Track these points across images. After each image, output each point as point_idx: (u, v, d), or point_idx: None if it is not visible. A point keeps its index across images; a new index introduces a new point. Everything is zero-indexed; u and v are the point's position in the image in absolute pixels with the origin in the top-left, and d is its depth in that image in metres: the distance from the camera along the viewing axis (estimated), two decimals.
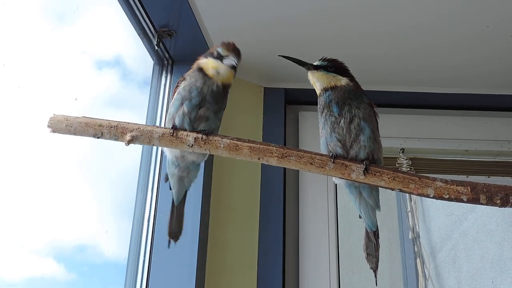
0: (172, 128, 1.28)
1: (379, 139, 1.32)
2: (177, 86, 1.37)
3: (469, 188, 1.21)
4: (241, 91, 2.30)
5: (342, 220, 2.25)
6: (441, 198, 1.21)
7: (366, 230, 1.37)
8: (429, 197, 1.21)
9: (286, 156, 1.23)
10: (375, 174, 1.23)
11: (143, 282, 1.79)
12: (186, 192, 1.43)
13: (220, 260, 2.00)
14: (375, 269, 1.35)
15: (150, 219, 1.87)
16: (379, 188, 1.30)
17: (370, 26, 1.99)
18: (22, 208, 1.44)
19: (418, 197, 2.05)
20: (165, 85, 2.10)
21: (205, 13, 1.92)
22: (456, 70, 2.28)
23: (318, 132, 1.35)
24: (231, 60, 1.31)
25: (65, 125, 1.25)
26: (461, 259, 2.77)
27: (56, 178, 1.57)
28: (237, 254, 2.04)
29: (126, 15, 1.87)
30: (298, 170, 1.42)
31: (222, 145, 1.25)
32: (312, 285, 2.09)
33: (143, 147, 1.93)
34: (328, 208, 2.21)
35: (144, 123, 1.94)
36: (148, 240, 1.85)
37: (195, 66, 1.38)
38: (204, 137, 1.25)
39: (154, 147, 1.94)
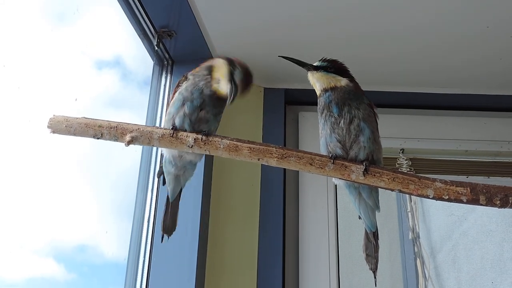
0: (172, 128, 1.28)
1: (379, 139, 1.32)
2: (178, 86, 1.37)
3: (468, 189, 1.21)
4: None
5: (342, 221, 2.25)
6: (441, 199, 1.21)
7: (366, 231, 1.37)
8: (428, 198, 1.21)
9: (285, 157, 1.23)
10: (374, 175, 1.23)
11: (143, 282, 1.80)
12: (181, 189, 1.44)
13: (220, 260, 2.00)
14: (374, 270, 1.35)
15: (150, 219, 1.88)
16: (379, 188, 1.30)
17: (370, 26, 1.99)
18: (22, 208, 1.45)
19: (418, 197, 2.05)
20: (165, 85, 2.10)
21: (205, 14, 1.92)
22: (456, 71, 2.27)
23: (318, 132, 1.35)
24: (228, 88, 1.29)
25: (65, 126, 1.25)
26: (461, 259, 2.77)
27: (56, 178, 1.57)
28: (237, 255, 2.05)
29: (126, 15, 1.87)
30: (298, 171, 1.42)
31: (222, 146, 1.25)
32: (312, 285, 2.09)
33: (143, 147, 1.93)
34: (328, 209, 2.21)
35: (144, 124, 1.95)
36: (148, 240, 1.85)
37: (203, 65, 1.37)
38: (204, 138, 1.25)
39: (154, 148, 1.94)
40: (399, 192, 1.24)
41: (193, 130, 1.28)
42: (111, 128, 1.25)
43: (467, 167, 2.42)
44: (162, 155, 1.44)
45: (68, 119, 1.25)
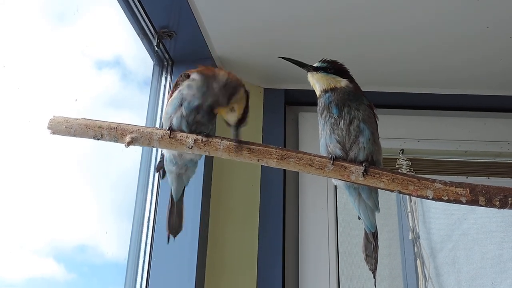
0: (168, 129, 1.27)
1: (379, 141, 1.32)
2: (177, 84, 1.36)
3: (468, 189, 1.21)
4: None
5: (342, 221, 2.26)
6: (440, 199, 1.21)
7: (365, 232, 1.37)
8: (428, 198, 1.21)
9: (285, 158, 1.23)
10: (374, 176, 1.23)
11: (143, 283, 1.80)
12: (184, 188, 1.43)
13: (220, 260, 2.00)
14: (374, 270, 1.35)
15: (150, 219, 1.88)
16: (378, 189, 1.30)
17: (369, 27, 1.99)
18: (22, 208, 1.45)
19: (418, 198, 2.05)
20: (165, 85, 2.10)
21: (205, 14, 1.92)
22: (456, 71, 2.28)
23: (318, 133, 1.36)
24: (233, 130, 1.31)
25: (65, 127, 1.25)
26: (461, 259, 2.77)
27: (57, 179, 1.58)
28: (237, 255, 2.05)
29: (126, 15, 1.87)
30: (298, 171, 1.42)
31: (221, 147, 1.25)
32: (312, 286, 2.09)
33: (143, 148, 1.93)
34: (328, 209, 2.22)
35: (144, 124, 1.96)
36: (148, 240, 1.85)
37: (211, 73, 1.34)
38: (204, 138, 1.25)
39: (154, 148, 1.94)
40: (399, 193, 1.24)
41: (191, 131, 1.28)
42: (111, 129, 1.25)
43: (467, 167, 2.42)
44: (162, 155, 1.44)
45: (68, 120, 1.25)
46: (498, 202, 1.20)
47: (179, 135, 1.27)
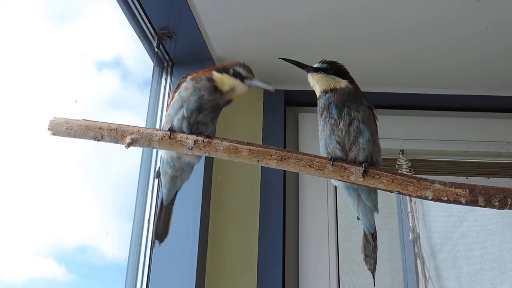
0: (168, 130, 1.28)
1: (378, 141, 1.33)
2: (177, 87, 1.37)
3: (467, 190, 1.21)
4: None
5: (342, 222, 2.26)
6: (440, 200, 1.21)
7: (364, 232, 1.38)
8: (427, 199, 1.21)
9: (285, 159, 1.23)
10: (373, 177, 1.23)
11: (143, 283, 1.80)
12: (176, 192, 1.42)
13: (220, 261, 2.00)
14: (373, 271, 1.36)
15: (150, 220, 1.88)
16: (378, 190, 1.30)
17: (369, 27, 1.99)
18: (23, 209, 1.45)
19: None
20: (165, 86, 2.10)
21: (205, 16, 1.92)
22: (456, 71, 2.28)
23: (318, 133, 1.36)
24: (256, 82, 1.33)
25: (65, 128, 1.25)
26: (461, 260, 2.77)
27: (57, 180, 1.58)
28: (237, 256, 2.05)
29: (126, 16, 1.87)
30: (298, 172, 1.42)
31: (221, 148, 1.25)
32: (312, 286, 2.09)
33: (143, 149, 1.93)
34: (328, 210, 2.22)
35: (144, 125, 1.96)
36: (148, 241, 1.86)
37: (205, 74, 1.36)
38: (206, 140, 1.25)
39: (154, 150, 1.94)
40: (398, 193, 1.24)
41: (191, 132, 1.28)
42: (111, 130, 1.25)
43: (467, 168, 2.42)
44: (161, 156, 1.43)
45: (69, 121, 1.26)
46: (498, 203, 1.20)
47: (179, 136, 1.27)
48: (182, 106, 1.30)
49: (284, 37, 2.06)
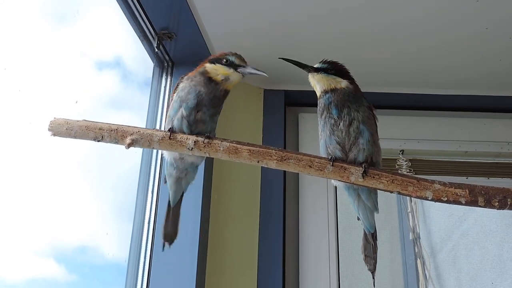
0: (168, 130, 1.28)
1: (378, 142, 1.33)
2: (176, 88, 1.37)
3: (467, 190, 1.21)
4: (241, 93, 2.30)
5: (342, 222, 2.26)
6: (440, 200, 1.21)
7: (364, 232, 1.38)
8: (427, 199, 1.22)
9: (285, 159, 1.24)
10: (373, 177, 1.24)
11: (143, 284, 1.80)
12: (183, 193, 1.42)
13: (220, 262, 2.00)
14: (373, 271, 1.36)
15: (150, 221, 1.88)
16: (378, 190, 1.30)
17: (369, 27, 1.99)
18: (23, 209, 1.45)
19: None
20: (165, 87, 2.10)
21: (205, 16, 1.92)
22: (456, 71, 2.28)
23: (318, 133, 1.36)
24: (250, 69, 1.34)
25: (66, 129, 1.25)
26: (461, 259, 2.77)
27: (57, 180, 1.58)
28: (237, 256, 2.05)
29: (126, 17, 1.87)
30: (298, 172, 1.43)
31: (221, 148, 1.25)
32: (312, 286, 2.09)
33: (143, 150, 1.93)
34: (328, 210, 2.22)
35: (145, 125, 1.96)
36: (148, 242, 1.86)
37: (198, 70, 1.37)
38: (206, 140, 1.25)
39: (154, 150, 1.94)
40: (398, 193, 1.24)
41: (191, 132, 1.29)
42: (111, 130, 1.25)
43: (467, 168, 2.42)
44: (163, 158, 1.44)
45: (69, 122, 1.26)
46: (497, 203, 1.20)
47: (179, 136, 1.27)
48: (181, 106, 1.30)
49: (284, 37, 2.06)
